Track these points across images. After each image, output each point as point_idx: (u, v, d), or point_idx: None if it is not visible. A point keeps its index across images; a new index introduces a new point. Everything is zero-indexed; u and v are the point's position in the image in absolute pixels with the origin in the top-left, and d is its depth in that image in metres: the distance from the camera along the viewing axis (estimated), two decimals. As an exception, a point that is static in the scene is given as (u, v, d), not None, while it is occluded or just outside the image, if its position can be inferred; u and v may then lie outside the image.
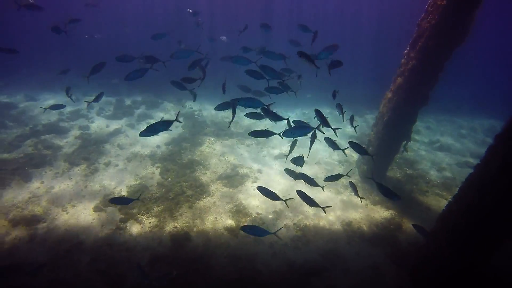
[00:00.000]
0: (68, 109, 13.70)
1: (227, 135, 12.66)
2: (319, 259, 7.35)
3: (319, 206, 5.70)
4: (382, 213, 9.08)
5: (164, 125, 4.93)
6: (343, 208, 9.20)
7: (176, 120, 5.28)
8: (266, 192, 5.79)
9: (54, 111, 13.13)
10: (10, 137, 11.13)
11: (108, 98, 15.01)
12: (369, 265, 7.28)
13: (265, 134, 6.05)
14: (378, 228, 8.40)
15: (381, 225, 8.52)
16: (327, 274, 6.98)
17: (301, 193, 5.78)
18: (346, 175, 7.00)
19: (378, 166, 10.20)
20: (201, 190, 9.17)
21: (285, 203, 6.40)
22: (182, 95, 15.93)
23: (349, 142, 5.91)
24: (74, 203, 8.33)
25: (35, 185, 8.88)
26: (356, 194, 6.96)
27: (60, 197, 8.53)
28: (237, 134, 12.76)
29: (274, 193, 5.78)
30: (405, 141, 9.71)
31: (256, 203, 8.99)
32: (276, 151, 11.97)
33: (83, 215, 8.01)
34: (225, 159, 10.97)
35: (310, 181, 6.35)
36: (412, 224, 6.22)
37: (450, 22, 6.88)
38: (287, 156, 8.14)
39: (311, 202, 5.68)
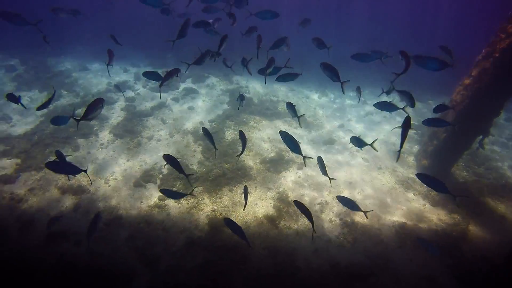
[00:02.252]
0: (116, 79, 14.09)
1: (274, 115, 12.13)
2: (366, 262, 6.76)
3: (361, 210, 5.70)
4: (442, 217, 8.11)
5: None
6: (397, 206, 8.38)
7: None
8: (345, 201, 5.77)
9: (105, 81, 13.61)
10: (63, 105, 11.71)
11: (156, 70, 15.12)
12: (424, 276, 6.54)
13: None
14: (437, 234, 7.51)
15: (441, 231, 7.60)
16: (374, 280, 6.40)
17: (343, 199, 5.85)
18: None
19: (442, 162, 9.09)
20: (242, 173, 8.89)
21: (365, 214, 6.19)
22: (229, 70, 15.58)
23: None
24: (116, 176, 8.54)
25: (82, 155, 9.25)
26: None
27: (103, 168, 8.80)
28: (284, 115, 12.17)
29: (353, 202, 5.75)
30: (481, 136, 8.45)
31: (300, 192, 8.52)
32: (325, 135, 11.23)
33: (124, 189, 8.17)
34: (270, 141, 10.52)
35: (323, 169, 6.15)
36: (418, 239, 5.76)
37: None
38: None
39: (352, 206, 5.71)
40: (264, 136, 10.79)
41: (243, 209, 7.61)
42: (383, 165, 10.01)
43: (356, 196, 8.59)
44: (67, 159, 6.50)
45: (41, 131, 10.05)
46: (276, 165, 9.39)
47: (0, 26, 8.11)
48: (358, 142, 6.07)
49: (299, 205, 5.22)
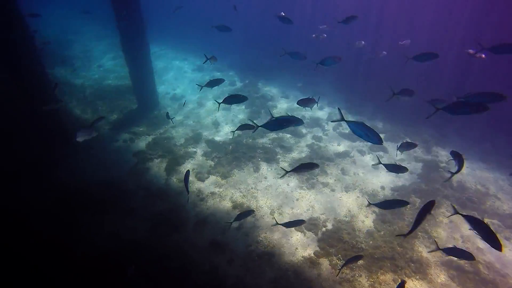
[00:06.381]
0: (310, 113, 15.22)
1: (477, 210, 10.07)
2: None
3: None
4: None
5: None
6: None
7: None
8: None
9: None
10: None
11: (350, 116, 15.50)
12: None
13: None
14: None
15: None
16: None
17: None
18: None
19: None
20: (416, 267, 7.70)
21: None
22: (440, 140, 14.18)
23: None
24: (281, 211, 9.05)
25: (259, 177, 10.33)
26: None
27: (271, 198, 9.49)
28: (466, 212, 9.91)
29: None
30: None
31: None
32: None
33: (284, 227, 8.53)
34: (462, 240, 8.74)
35: None
36: None
37: None
38: None
39: None
40: (455, 228, 9.05)
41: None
42: None
43: None
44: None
45: (236, 143, 11.93)
46: (463, 275, 7.66)
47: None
48: None
49: None
